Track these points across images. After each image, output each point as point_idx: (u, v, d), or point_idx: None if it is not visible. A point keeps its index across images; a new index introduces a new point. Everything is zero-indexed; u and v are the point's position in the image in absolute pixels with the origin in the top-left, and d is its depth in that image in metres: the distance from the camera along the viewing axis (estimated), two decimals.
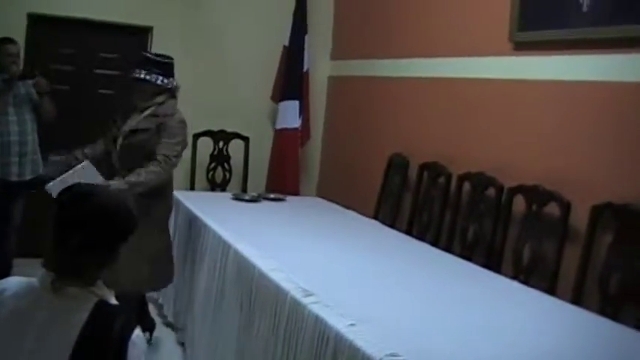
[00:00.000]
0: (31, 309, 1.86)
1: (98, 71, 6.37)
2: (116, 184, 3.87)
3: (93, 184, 2.13)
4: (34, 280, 1.92)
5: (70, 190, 2.00)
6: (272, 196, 5.47)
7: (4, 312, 1.87)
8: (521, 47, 4.44)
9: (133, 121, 4.26)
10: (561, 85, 4.17)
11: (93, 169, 3.99)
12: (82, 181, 3.28)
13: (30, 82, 5.19)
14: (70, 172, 3.92)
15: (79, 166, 3.99)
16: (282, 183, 6.45)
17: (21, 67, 5.26)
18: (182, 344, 4.38)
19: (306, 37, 6.62)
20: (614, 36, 3.80)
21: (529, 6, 4.36)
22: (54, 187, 3.75)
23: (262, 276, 3.31)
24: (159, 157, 4.10)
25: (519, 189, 4.26)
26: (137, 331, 1.87)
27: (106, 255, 1.93)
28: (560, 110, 4.19)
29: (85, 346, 1.80)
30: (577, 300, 3.69)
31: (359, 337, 2.47)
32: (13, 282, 1.95)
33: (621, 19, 3.78)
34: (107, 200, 1.98)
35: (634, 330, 3.09)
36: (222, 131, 6.45)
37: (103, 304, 1.88)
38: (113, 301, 1.95)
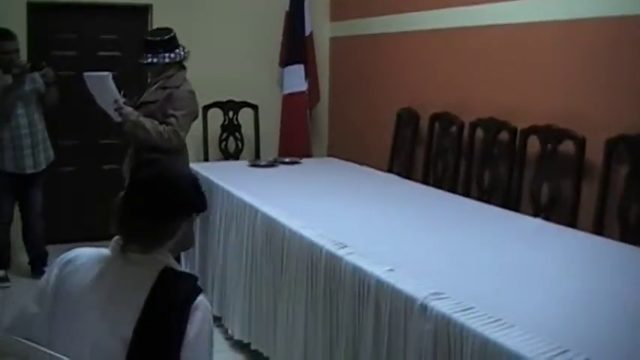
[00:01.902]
0: (101, 275, 1.95)
1: (101, 53, 6.41)
2: (129, 110, 4.26)
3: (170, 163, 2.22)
4: (103, 250, 2.03)
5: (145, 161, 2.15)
6: (287, 159, 5.55)
7: (76, 279, 1.96)
8: None
9: (145, 94, 4.43)
10: (564, 25, 4.22)
11: (113, 84, 4.32)
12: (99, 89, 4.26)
13: (38, 73, 5.25)
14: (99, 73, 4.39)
15: (106, 73, 4.36)
16: (294, 147, 6.53)
17: (24, 58, 5.33)
18: (219, 319, 4.38)
19: (306, 1, 6.65)
20: None
21: None
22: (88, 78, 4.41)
23: (294, 234, 3.38)
24: (167, 127, 4.26)
25: (533, 130, 4.33)
26: (201, 297, 1.94)
27: (168, 223, 2.00)
28: (565, 49, 4.24)
29: (152, 310, 1.86)
30: (598, 233, 3.78)
31: (399, 280, 2.55)
32: (85, 252, 2.05)
33: None
34: (174, 170, 2.10)
35: None
36: (230, 101, 6.50)
37: (168, 270, 1.96)
38: (179, 269, 2.05)
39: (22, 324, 1.95)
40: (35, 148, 5.32)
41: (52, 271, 2.01)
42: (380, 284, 2.62)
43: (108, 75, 4.28)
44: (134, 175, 2.10)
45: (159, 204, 1.98)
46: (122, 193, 2.03)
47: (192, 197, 2.07)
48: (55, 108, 5.42)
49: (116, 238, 2.01)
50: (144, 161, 2.12)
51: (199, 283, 2.06)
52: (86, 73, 4.40)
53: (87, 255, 2.03)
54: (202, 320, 1.89)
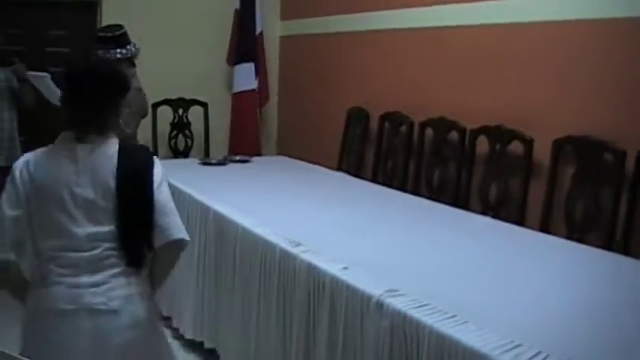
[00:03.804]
0: (66, 162, 2.29)
1: (49, 49, 6.30)
2: None
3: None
4: (49, 147, 2.35)
5: (76, 64, 2.45)
6: (238, 158, 5.52)
7: (41, 173, 2.28)
8: None
9: None
10: (512, 28, 4.32)
11: (53, 84, 4.51)
12: (44, 87, 4.41)
13: (8, 68, 5.15)
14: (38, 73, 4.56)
15: (44, 74, 4.54)
16: (244, 145, 6.52)
17: None
18: (168, 319, 4.31)
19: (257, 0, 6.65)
20: None
21: None
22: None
23: (247, 232, 3.37)
24: None
25: (482, 130, 4.40)
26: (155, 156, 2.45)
27: (113, 104, 2.38)
28: (514, 51, 4.33)
29: (124, 169, 2.29)
30: (545, 230, 3.87)
31: (354, 278, 2.57)
32: (36, 152, 2.35)
33: None
34: (104, 59, 2.65)
35: (600, 250, 3.28)
36: (180, 99, 6.46)
37: (124, 142, 2.40)
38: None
39: (6, 228, 2.24)
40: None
41: (15, 175, 2.29)
42: (335, 282, 2.63)
43: (46, 75, 4.30)
44: (71, 71, 2.38)
45: (106, 87, 2.33)
46: (61, 93, 2.40)
47: (126, 78, 2.44)
48: (31, 108, 5.30)
49: (64, 133, 2.34)
50: (73, 61, 2.54)
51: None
52: (30, 72, 4.37)
53: (40, 153, 2.34)
54: (161, 169, 2.41)
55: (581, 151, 3.83)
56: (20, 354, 2.03)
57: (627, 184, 3.61)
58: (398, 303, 2.32)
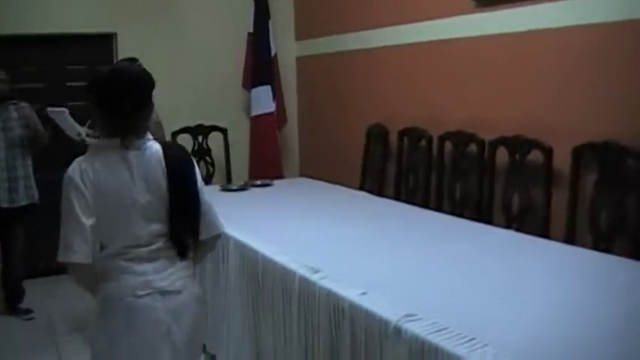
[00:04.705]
0: (120, 167, 2.51)
1: (69, 84, 6.38)
2: (93, 142, 4.26)
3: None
4: (93, 155, 2.54)
5: (99, 74, 2.57)
6: (259, 182, 5.51)
7: (102, 179, 2.48)
8: (483, 4, 4.53)
9: None
10: (526, 37, 4.27)
11: (71, 119, 4.51)
12: (63, 122, 4.43)
13: (22, 105, 5.22)
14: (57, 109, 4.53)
15: (63, 109, 4.52)
16: (265, 169, 6.52)
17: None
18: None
19: (270, 22, 6.67)
20: None
21: None
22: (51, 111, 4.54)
23: (267, 260, 3.36)
24: None
25: (501, 141, 4.36)
26: None
27: (148, 109, 2.58)
28: (528, 60, 4.29)
29: (172, 173, 2.55)
30: (570, 240, 3.81)
31: (373, 303, 2.54)
32: (81, 164, 2.50)
33: None
34: (127, 66, 2.71)
35: (629, 260, 3.19)
36: (199, 126, 6.49)
37: (163, 143, 2.66)
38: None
39: (89, 237, 2.44)
40: (12, 183, 5.24)
41: (78, 184, 2.45)
42: (354, 307, 2.61)
43: (64, 111, 4.36)
44: (105, 89, 2.51)
45: (142, 99, 2.53)
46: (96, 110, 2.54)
47: (151, 77, 2.59)
48: (45, 144, 5.38)
49: (105, 141, 2.54)
50: (104, 77, 2.55)
51: None
52: (48, 108, 4.43)
53: (91, 161, 2.50)
54: (197, 168, 2.71)
55: (603, 158, 3.77)
56: (93, 337, 2.61)
57: None
58: (416, 328, 2.28)
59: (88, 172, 2.47)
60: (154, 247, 2.56)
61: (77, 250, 2.43)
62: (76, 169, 2.48)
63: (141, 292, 2.52)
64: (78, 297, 3.76)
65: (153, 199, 2.54)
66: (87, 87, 2.56)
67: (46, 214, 6.16)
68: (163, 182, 2.55)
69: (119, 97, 2.48)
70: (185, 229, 2.63)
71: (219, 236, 2.81)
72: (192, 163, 2.69)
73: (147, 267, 2.54)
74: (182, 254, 2.64)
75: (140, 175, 2.53)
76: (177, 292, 2.60)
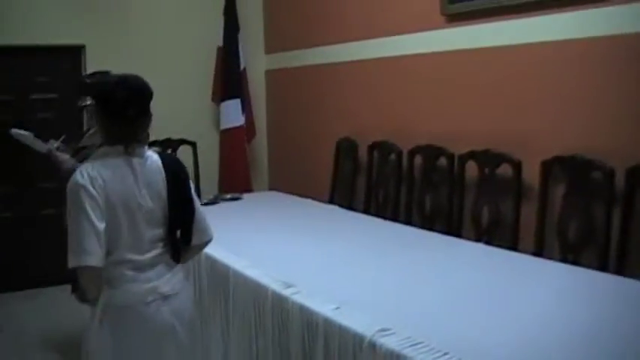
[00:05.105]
0: (126, 174, 2.60)
1: (35, 96, 6.31)
2: (64, 158, 4.23)
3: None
4: (99, 161, 2.59)
5: (106, 84, 2.70)
6: (228, 196, 5.50)
7: (111, 185, 2.54)
8: (453, 19, 4.58)
9: (83, 139, 4.38)
10: (495, 51, 4.32)
11: (38, 141, 4.37)
12: (30, 142, 4.32)
13: None
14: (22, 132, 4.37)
15: (28, 134, 4.36)
16: (234, 182, 6.51)
17: None
18: None
19: (239, 35, 6.67)
20: None
21: None
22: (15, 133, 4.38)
23: (238, 275, 3.36)
24: None
25: (470, 155, 4.40)
26: None
27: (149, 118, 2.67)
28: (496, 74, 4.34)
29: (171, 181, 2.67)
30: (539, 252, 3.86)
31: (347, 318, 2.55)
32: (89, 170, 2.54)
33: None
34: (133, 76, 2.67)
35: (596, 271, 3.26)
36: (168, 139, 6.43)
37: (159, 152, 2.78)
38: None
39: (102, 240, 2.49)
40: None
41: (88, 189, 2.49)
42: (328, 323, 2.61)
43: (30, 136, 4.28)
44: (112, 97, 2.59)
45: (145, 105, 2.63)
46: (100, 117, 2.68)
47: (148, 84, 2.68)
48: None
49: (109, 148, 2.61)
50: (110, 86, 2.65)
51: None
52: (13, 130, 4.34)
53: (98, 167, 2.56)
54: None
55: (570, 171, 3.83)
56: (94, 342, 2.62)
57: (618, 202, 3.60)
58: (391, 342, 2.29)
59: (97, 178, 2.53)
60: (154, 252, 2.67)
61: (93, 252, 2.47)
62: (84, 175, 2.53)
63: (148, 299, 2.63)
64: (46, 312, 3.71)
65: (155, 204, 2.65)
66: (92, 95, 2.72)
67: (4, 229, 6.17)
68: (163, 189, 2.67)
69: (126, 103, 2.58)
70: (182, 234, 2.78)
71: (209, 242, 2.92)
72: (187, 172, 2.82)
73: (150, 274, 2.65)
74: (177, 258, 2.77)
75: (144, 182, 2.63)
76: (176, 294, 2.73)
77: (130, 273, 2.61)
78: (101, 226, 2.50)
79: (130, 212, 2.59)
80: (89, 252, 2.46)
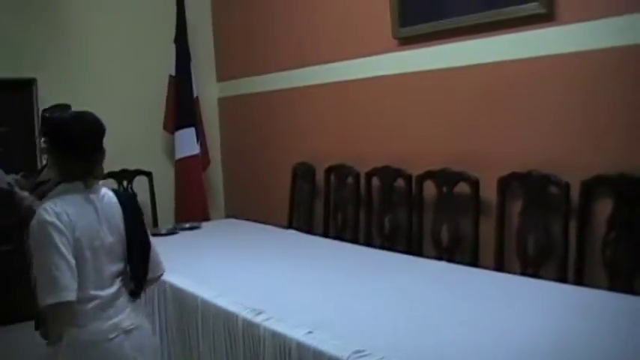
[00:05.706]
0: (88, 211, 2.61)
1: None
2: (23, 195, 4.15)
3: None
4: (61, 197, 2.58)
5: (61, 119, 2.77)
6: (187, 225, 5.49)
7: (78, 222, 2.55)
8: (405, 42, 4.66)
9: (42, 173, 4.34)
10: (448, 72, 4.41)
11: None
12: None
13: None
14: None
15: None
16: (191, 211, 6.47)
17: None
18: None
19: (191, 64, 6.68)
20: (489, 20, 4.07)
21: (407, 3, 4.59)
22: None
23: (207, 304, 3.34)
24: None
25: (428, 175, 4.47)
26: None
27: (103, 153, 2.68)
28: (450, 95, 4.42)
29: (127, 215, 2.71)
30: (499, 267, 3.93)
31: (320, 342, 2.56)
32: (53, 206, 2.54)
33: (488, 5, 4.06)
34: (87, 113, 2.69)
35: (555, 282, 3.36)
36: (124, 170, 6.40)
37: (113, 189, 2.82)
38: None
39: (74, 274, 2.48)
40: None
41: (57, 226, 2.49)
42: (301, 347, 2.62)
43: None
44: (68, 133, 2.61)
45: (100, 141, 2.65)
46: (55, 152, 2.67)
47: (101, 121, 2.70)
48: None
49: (68, 185, 2.61)
50: (66, 121, 2.69)
51: None
52: None
53: (62, 204, 2.55)
54: None
55: (527, 187, 3.92)
56: None
57: (574, 215, 3.69)
58: None
59: (62, 214, 2.52)
60: (114, 287, 2.68)
61: (71, 288, 2.47)
62: (50, 212, 2.52)
63: (111, 335, 2.62)
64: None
65: (114, 239, 2.68)
66: (45, 132, 2.70)
67: None
68: (121, 224, 2.70)
69: (82, 139, 2.60)
70: (138, 268, 2.79)
71: (162, 275, 2.98)
72: (138, 205, 2.88)
73: (112, 310, 2.65)
74: (136, 292, 2.78)
75: (104, 217, 2.65)
76: (137, 328, 2.73)
77: (93, 309, 2.60)
78: (72, 261, 2.49)
79: (93, 248, 2.60)
80: (67, 287, 2.45)
